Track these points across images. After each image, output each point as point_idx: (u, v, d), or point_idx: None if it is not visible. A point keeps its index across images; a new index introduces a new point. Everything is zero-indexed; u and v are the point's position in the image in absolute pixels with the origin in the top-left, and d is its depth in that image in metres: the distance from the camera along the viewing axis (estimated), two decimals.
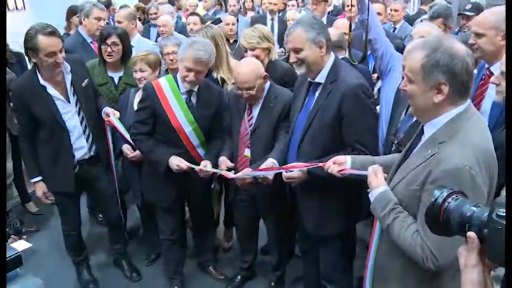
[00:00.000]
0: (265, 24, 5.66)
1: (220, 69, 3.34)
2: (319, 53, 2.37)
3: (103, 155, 3.24)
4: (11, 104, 3.86)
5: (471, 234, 1.05)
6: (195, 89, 2.91)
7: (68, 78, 3.00)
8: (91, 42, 4.13)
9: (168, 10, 6.20)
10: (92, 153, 3.16)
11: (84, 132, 3.09)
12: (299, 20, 2.50)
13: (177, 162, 2.81)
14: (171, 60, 3.52)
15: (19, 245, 1.84)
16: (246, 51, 3.21)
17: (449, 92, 1.59)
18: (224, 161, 2.82)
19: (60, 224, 3.35)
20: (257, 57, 3.10)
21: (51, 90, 2.93)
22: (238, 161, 2.88)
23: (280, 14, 6.73)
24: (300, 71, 2.45)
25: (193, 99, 2.92)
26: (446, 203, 1.12)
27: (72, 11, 5.16)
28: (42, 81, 2.91)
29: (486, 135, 1.67)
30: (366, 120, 2.39)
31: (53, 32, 2.80)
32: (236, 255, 3.60)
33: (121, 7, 6.14)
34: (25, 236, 2.13)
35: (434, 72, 1.59)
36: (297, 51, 2.39)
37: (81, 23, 4.29)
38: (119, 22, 4.35)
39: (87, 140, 3.11)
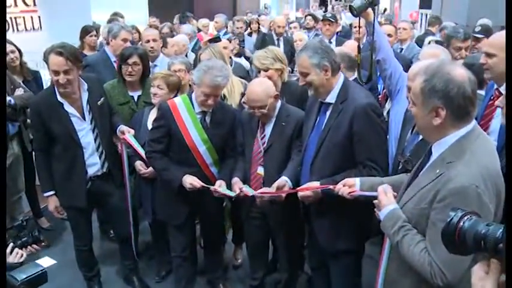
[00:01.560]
0: (272, 43, 5.76)
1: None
2: (324, 76, 2.47)
3: (115, 172, 3.29)
4: (28, 120, 3.96)
5: (495, 260, 1.09)
6: (210, 109, 2.97)
7: (85, 96, 3.08)
8: (114, 61, 4.23)
9: (186, 31, 6.29)
10: (104, 170, 3.22)
11: (97, 149, 3.15)
12: (305, 46, 2.60)
13: (190, 181, 2.85)
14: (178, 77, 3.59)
15: (44, 262, 1.86)
16: (259, 72, 3.28)
17: (447, 115, 1.66)
18: (237, 183, 2.87)
19: (72, 239, 3.39)
20: (270, 77, 3.17)
21: (68, 108, 3.01)
22: (251, 179, 2.92)
23: (285, 35, 6.85)
24: (310, 92, 2.57)
25: (208, 119, 2.97)
26: (461, 223, 1.17)
27: (85, 31, 5.28)
28: (59, 98, 2.99)
29: (493, 155, 1.72)
30: (376, 137, 2.47)
31: (60, 53, 2.84)
32: (246, 273, 3.61)
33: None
34: (44, 244, 2.15)
35: (432, 97, 1.66)
36: (303, 75, 2.50)
37: (108, 43, 4.44)
38: (148, 42, 4.47)
39: (100, 157, 3.17)
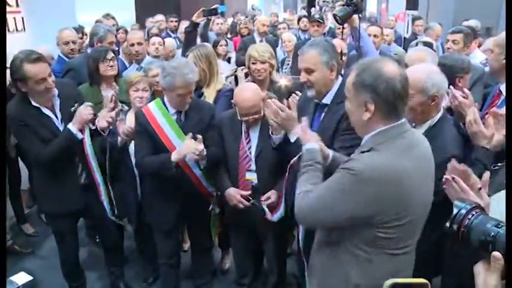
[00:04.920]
0: None
1: (210, 86, 3.47)
2: (330, 75, 2.44)
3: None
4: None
5: (497, 254, 1.05)
6: (186, 108, 2.90)
7: (57, 104, 2.93)
8: None
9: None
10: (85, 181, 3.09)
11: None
12: (314, 42, 2.55)
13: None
14: (157, 82, 3.49)
15: (19, 278, 1.76)
16: (255, 63, 3.30)
17: (376, 110, 1.68)
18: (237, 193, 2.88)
19: (57, 248, 3.29)
20: (264, 70, 3.25)
21: (47, 111, 2.87)
22: (240, 184, 2.89)
23: (269, 36, 6.84)
24: (310, 92, 2.51)
25: (183, 117, 2.90)
26: (467, 220, 1.13)
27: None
28: (35, 104, 2.82)
29: (413, 157, 1.69)
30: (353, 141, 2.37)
31: (39, 58, 2.71)
32: (234, 278, 3.56)
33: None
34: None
35: (361, 91, 1.70)
36: (308, 72, 2.45)
37: (92, 46, 4.36)
38: (132, 45, 4.41)
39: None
